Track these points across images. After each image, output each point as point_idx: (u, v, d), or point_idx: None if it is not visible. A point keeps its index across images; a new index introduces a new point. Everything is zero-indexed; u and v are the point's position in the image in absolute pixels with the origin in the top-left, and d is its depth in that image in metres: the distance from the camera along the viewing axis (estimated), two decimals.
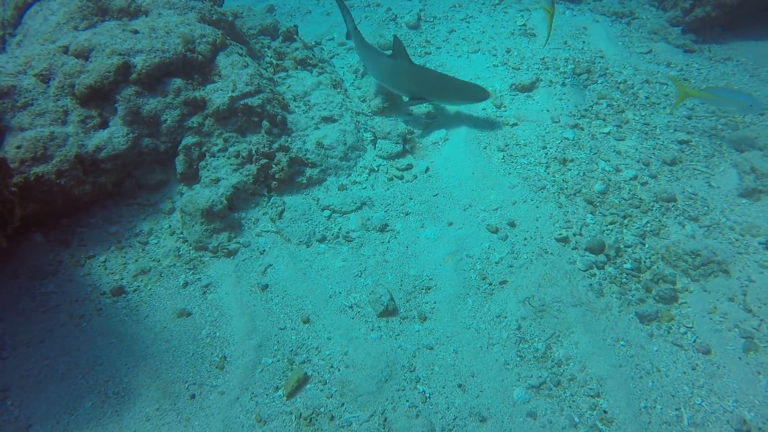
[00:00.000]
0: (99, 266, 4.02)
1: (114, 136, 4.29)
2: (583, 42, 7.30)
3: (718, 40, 7.42)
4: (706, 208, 4.71)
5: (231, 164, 4.60)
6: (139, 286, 3.94)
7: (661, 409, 3.34)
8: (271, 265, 4.18)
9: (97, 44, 4.43)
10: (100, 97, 4.36)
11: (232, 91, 4.70)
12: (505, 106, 6.01)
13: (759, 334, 3.78)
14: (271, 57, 6.11)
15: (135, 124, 4.41)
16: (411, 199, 4.78)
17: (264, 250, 4.29)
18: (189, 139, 4.58)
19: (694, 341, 3.73)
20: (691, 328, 3.81)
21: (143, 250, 4.20)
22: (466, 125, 5.67)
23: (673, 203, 4.72)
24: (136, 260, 4.11)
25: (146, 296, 3.88)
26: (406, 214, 4.64)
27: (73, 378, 3.34)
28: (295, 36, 6.40)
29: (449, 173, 5.03)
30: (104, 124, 4.35)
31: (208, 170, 4.57)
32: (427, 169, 5.09)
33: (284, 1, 8.23)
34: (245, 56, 5.13)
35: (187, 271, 4.10)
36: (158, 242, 4.27)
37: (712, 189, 4.92)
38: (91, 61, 4.41)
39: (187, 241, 4.27)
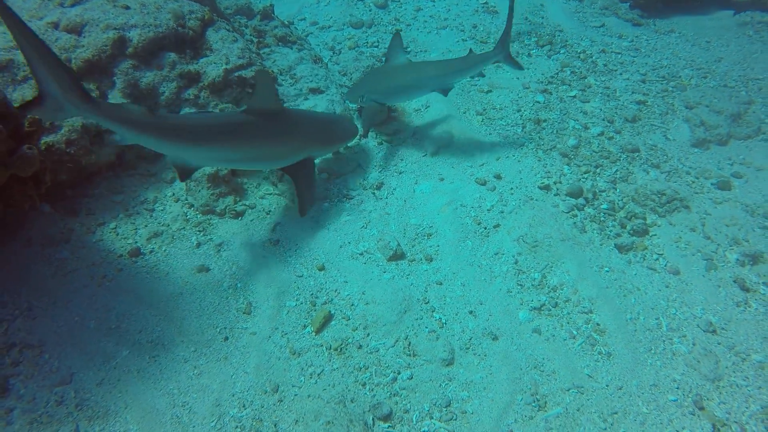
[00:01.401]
0: (110, 232, 4.21)
1: None
2: (542, 17, 7.93)
3: (661, 15, 8.23)
4: (665, 156, 5.37)
5: None
6: (153, 248, 4.17)
7: (644, 319, 3.91)
8: (279, 223, 4.49)
9: (89, 19, 4.59)
10: (98, 71, 4.53)
11: (226, 64, 4.96)
12: (477, 76, 6.52)
13: (717, 256, 4.44)
14: (250, 35, 6.37)
15: (134, 96, 4.60)
16: (402, 160, 5.20)
17: (270, 211, 4.59)
18: (187, 111, 4.81)
19: (665, 265, 4.34)
20: (662, 254, 4.42)
21: (151, 216, 4.42)
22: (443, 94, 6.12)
23: (637, 153, 5.36)
24: (146, 225, 4.33)
25: (162, 256, 4.12)
26: (400, 173, 5.05)
27: (105, 331, 3.56)
28: (272, 14, 6.69)
29: (436, 136, 5.47)
30: (103, 97, 4.53)
31: None
32: (414, 133, 5.52)
33: None
34: (233, 31, 5.39)
35: (198, 233, 4.35)
36: (164, 209, 4.50)
37: (668, 141, 5.60)
38: (84, 36, 4.57)
39: (193, 206, 4.52)
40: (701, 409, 3.41)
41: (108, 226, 4.25)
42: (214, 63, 4.98)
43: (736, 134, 5.70)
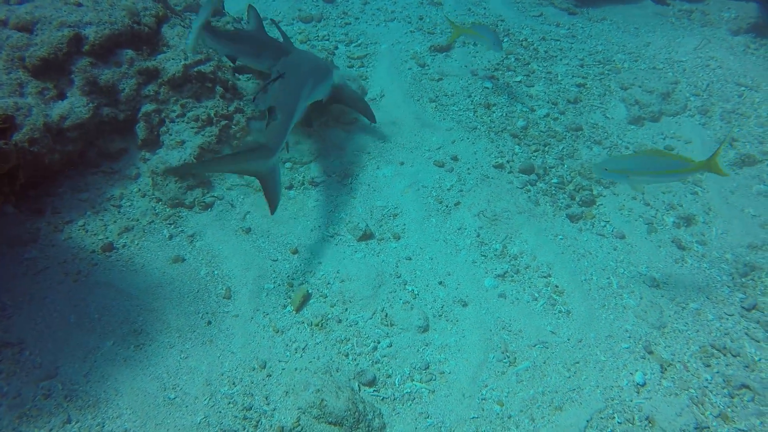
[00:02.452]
0: (79, 230, 4.24)
1: (75, 105, 4.49)
2: (484, 8, 8.33)
3: (593, 4, 8.80)
4: (605, 134, 5.84)
5: (191, 128, 4.95)
6: (125, 242, 4.23)
7: (596, 279, 4.32)
8: (249, 212, 4.63)
9: (41, 17, 4.58)
10: (54, 69, 4.53)
11: (185, 60, 5.04)
12: (428, 65, 6.83)
13: (656, 221, 4.92)
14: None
15: (93, 94, 4.62)
16: (362, 147, 5.42)
17: (239, 201, 4.72)
18: (148, 107, 4.86)
19: (612, 231, 4.77)
20: (609, 221, 4.86)
21: (119, 212, 4.47)
22: (397, 83, 6.40)
23: (580, 132, 5.80)
24: (116, 221, 4.37)
25: (136, 250, 4.18)
26: (361, 160, 5.28)
27: (87, 324, 3.62)
28: (223, 11, 6.75)
29: (392, 123, 5.73)
30: (62, 96, 4.53)
31: (170, 134, 4.89)
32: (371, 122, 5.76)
33: None
34: (187, 28, 5.45)
35: (168, 225, 4.43)
36: (132, 204, 4.55)
37: (607, 119, 6.09)
38: (36, 34, 4.55)
39: (161, 200, 4.59)
40: (650, 353, 3.83)
41: (76, 224, 4.27)
42: (173, 59, 5.05)
43: (667, 111, 6.25)
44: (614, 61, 7.14)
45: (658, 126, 6.10)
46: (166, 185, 4.59)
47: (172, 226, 4.40)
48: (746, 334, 3.99)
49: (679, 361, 3.77)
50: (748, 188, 5.35)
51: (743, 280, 4.47)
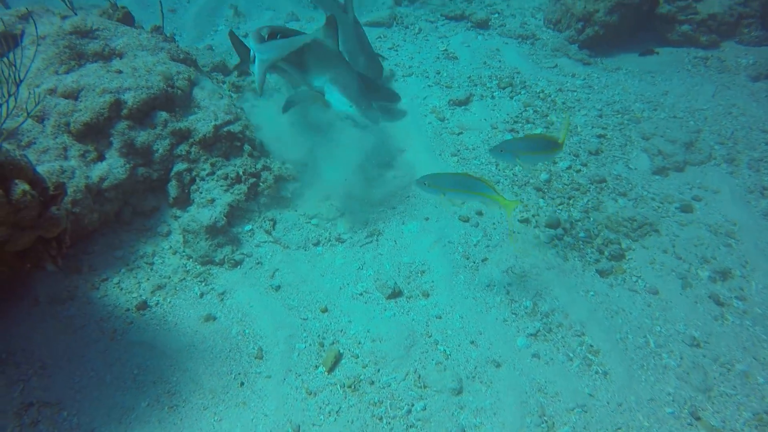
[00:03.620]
0: (114, 287, 4.33)
1: (113, 167, 4.67)
2: (500, 61, 8.58)
3: (608, 54, 9.01)
4: (630, 185, 5.90)
5: (221, 186, 5.10)
6: (158, 300, 4.31)
7: (632, 337, 4.29)
8: (278, 269, 4.71)
9: (85, 85, 4.82)
10: (95, 133, 4.73)
11: (215, 120, 5.24)
12: (447, 119, 7.00)
13: (690, 275, 4.91)
14: (229, 90, 6.68)
15: (130, 155, 4.81)
16: (386, 202, 5.53)
17: (267, 258, 4.81)
18: (180, 166, 5.03)
19: (645, 286, 4.76)
20: (640, 276, 4.85)
21: (152, 269, 4.57)
22: (417, 138, 6.56)
23: (604, 184, 5.87)
24: (148, 279, 4.47)
25: (169, 308, 4.26)
26: (387, 216, 5.37)
27: (122, 383, 3.66)
28: (247, 70, 7.03)
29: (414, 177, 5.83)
30: (101, 157, 4.72)
31: (200, 193, 5.04)
32: (395, 177, 5.88)
33: (220, 42, 8.82)
34: (217, 89, 5.69)
35: (199, 283, 4.52)
36: (164, 261, 4.65)
37: (631, 170, 6.15)
38: (80, 101, 4.78)
39: (192, 257, 4.69)
40: (698, 419, 3.75)
41: (111, 282, 4.37)
42: (203, 120, 5.25)
43: (691, 161, 6.30)
44: (633, 110, 7.26)
45: (683, 176, 6.14)
46: (197, 243, 4.69)
47: (203, 284, 4.48)
48: None
49: (731, 430, 3.69)
50: None
51: None
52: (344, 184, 5.68)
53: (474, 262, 4.86)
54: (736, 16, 8.81)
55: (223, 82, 6.92)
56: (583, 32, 9.10)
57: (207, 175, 5.13)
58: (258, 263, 4.76)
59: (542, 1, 10.53)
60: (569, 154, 6.31)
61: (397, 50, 8.95)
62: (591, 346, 4.20)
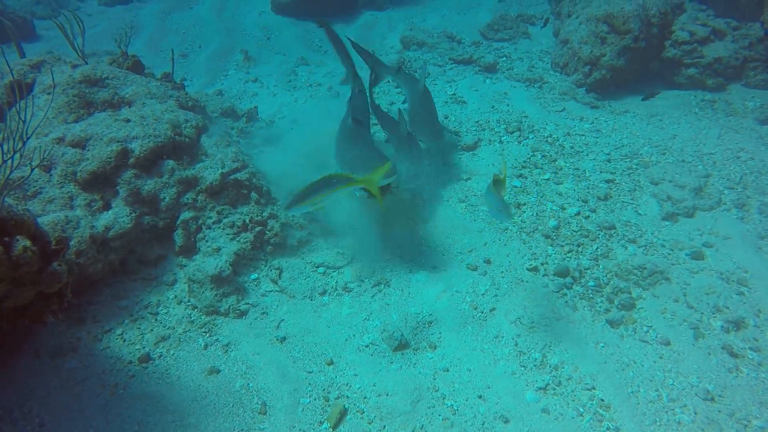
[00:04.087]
0: (117, 339, 4.35)
1: (119, 216, 4.75)
2: (507, 105, 8.72)
3: (615, 97, 9.14)
4: (639, 231, 5.89)
5: (227, 234, 5.17)
6: (162, 352, 4.31)
7: (644, 391, 4.22)
8: (283, 319, 4.71)
9: (93, 134, 4.96)
10: (101, 181, 4.84)
11: (222, 168, 5.35)
12: (453, 165, 7.08)
13: (702, 325, 4.85)
14: (237, 136, 6.83)
15: (136, 204, 4.90)
16: (394, 250, 5.55)
17: (273, 308, 4.82)
18: (186, 214, 5.11)
19: (656, 336, 4.71)
20: (651, 326, 4.81)
21: (156, 320, 4.59)
22: (426, 184, 6.63)
23: (613, 230, 5.87)
24: (152, 330, 4.48)
25: (172, 361, 4.25)
26: (394, 264, 5.39)
27: None
28: (256, 116, 7.20)
29: (422, 224, 5.88)
30: (107, 206, 4.81)
31: (206, 241, 5.10)
32: (403, 225, 5.92)
33: (230, 87, 9.07)
34: (225, 136, 5.83)
35: (204, 334, 4.52)
36: (168, 312, 4.68)
37: (640, 216, 6.16)
38: (88, 150, 4.91)
39: (197, 307, 4.71)
40: None
41: (115, 333, 4.38)
42: (211, 168, 5.35)
43: (701, 206, 6.31)
44: (641, 154, 7.32)
45: (693, 222, 6.13)
46: (202, 292, 4.72)
47: (207, 335, 4.49)
48: None
49: None
50: None
51: None
52: (352, 232, 5.74)
53: (482, 312, 4.85)
54: (741, 60, 8.95)
55: (232, 128, 7.08)
56: (590, 76, 9.26)
57: (213, 223, 5.20)
58: (263, 313, 4.77)
59: (549, 44, 10.79)
60: (578, 200, 6.34)
61: (404, 94, 9.12)
62: (602, 400, 4.13)
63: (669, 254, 5.60)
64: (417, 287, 5.09)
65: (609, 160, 7.17)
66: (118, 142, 4.93)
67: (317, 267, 5.29)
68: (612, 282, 5.22)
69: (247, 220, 5.27)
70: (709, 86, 8.95)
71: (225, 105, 7.39)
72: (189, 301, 4.73)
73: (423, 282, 5.15)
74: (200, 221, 5.16)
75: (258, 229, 5.27)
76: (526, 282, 5.15)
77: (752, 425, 4.00)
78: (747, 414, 4.08)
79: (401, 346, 4.47)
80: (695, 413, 4.07)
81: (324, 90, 9.14)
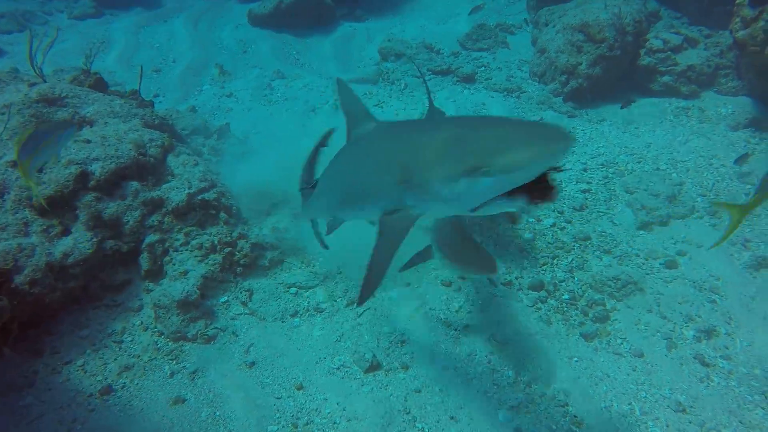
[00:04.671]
0: (78, 370, 4.24)
1: (78, 241, 4.66)
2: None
3: (591, 105, 9.20)
4: (614, 241, 5.90)
5: (195, 256, 5.09)
6: (125, 382, 4.21)
7: (617, 405, 4.20)
8: (253, 343, 4.63)
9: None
10: (60, 206, 4.75)
11: (189, 188, 5.27)
12: None
13: (675, 335, 4.85)
14: (209, 154, 6.77)
15: (98, 228, 4.81)
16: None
17: (243, 331, 4.74)
18: (151, 237, 5.03)
19: (629, 348, 4.70)
20: (625, 338, 4.79)
21: (120, 348, 4.49)
22: None
23: (588, 241, 5.87)
24: (116, 359, 4.38)
25: (136, 391, 4.16)
26: None
27: None
28: (228, 132, 7.15)
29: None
30: (66, 231, 4.72)
31: (174, 264, 5.01)
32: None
33: (204, 102, 9.00)
34: (193, 155, 5.76)
35: (170, 361, 4.43)
36: (133, 339, 4.58)
37: (615, 226, 6.17)
38: (45, 173, 4.82)
39: (163, 333, 4.62)
40: None
41: (75, 364, 4.28)
42: (177, 188, 5.28)
43: (675, 214, 6.33)
44: (617, 163, 7.35)
45: (666, 230, 6.14)
46: (169, 318, 4.63)
47: (174, 362, 4.40)
48: None
49: None
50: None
51: None
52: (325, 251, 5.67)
53: (456, 330, 4.80)
54: (713, 67, 9.06)
55: (204, 146, 7.01)
56: (567, 85, 9.32)
57: (181, 245, 5.12)
58: (233, 338, 4.69)
59: (528, 53, 10.84)
60: (553, 211, 6.34)
61: (382, 107, 9.13)
62: (575, 416, 4.09)
63: (643, 264, 5.60)
64: (390, 305, 5.04)
65: (585, 170, 7.19)
66: (77, 164, 4.84)
67: (289, 288, 5.22)
68: (587, 294, 5.21)
69: (216, 242, 5.20)
70: (684, 93, 9.03)
71: (197, 122, 7.32)
72: (155, 327, 4.63)
73: (396, 300, 5.10)
74: (167, 244, 5.08)
75: (227, 250, 5.20)
76: (501, 297, 5.12)
77: None
78: (717, 423, 4.07)
79: (373, 367, 4.41)
80: (667, 425, 4.05)
81: (300, 104, 9.10)
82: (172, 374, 4.31)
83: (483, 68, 10.57)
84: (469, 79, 10.04)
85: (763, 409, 4.24)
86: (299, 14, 11.71)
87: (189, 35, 11.31)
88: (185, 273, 4.91)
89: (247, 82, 9.92)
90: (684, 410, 4.19)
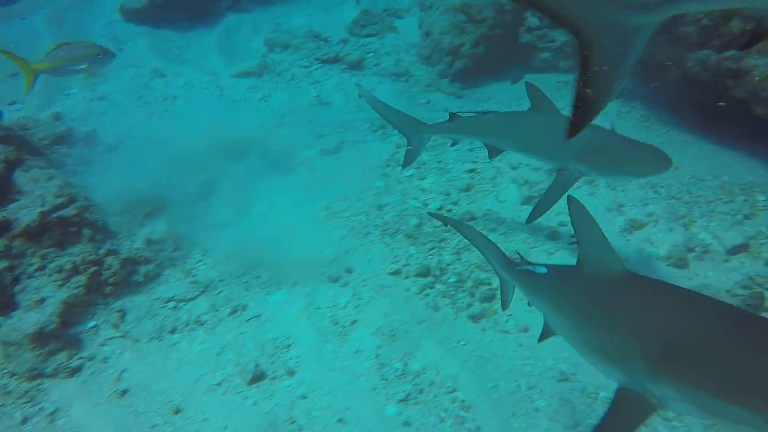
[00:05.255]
0: None
1: None
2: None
3: (479, 85, 9.30)
4: (500, 219, 5.96)
5: (55, 281, 4.62)
6: None
7: (504, 384, 4.22)
8: (126, 369, 4.27)
9: None
10: None
11: (42, 206, 4.77)
12: (317, 170, 6.85)
13: None
14: (73, 165, 6.19)
15: None
16: (252, 270, 5.23)
17: (114, 357, 4.36)
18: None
19: (515, 325, 4.74)
20: (511, 315, 4.83)
21: None
22: (285, 192, 6.34)
23: (474, 221, 5.89)
24: None
25: None
26: (248, 287, 5.07)
27: None
28: (95, 139, 6.57)
29: (281, 237, 5.60)
30: None
31: (27, 293, 4.53)
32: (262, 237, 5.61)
33: (72, 108, 8.27)
34: (49, 168, 5.21)
35: (24, 405, 3.99)
36: None
37: (501, 203, 6.24)
38: None
39: (15, 374, 4.15)
40: None
41: None
42: (27, 207, 4.76)
43: None
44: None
45: None
46: (21, 355, 4.17)
47: (29, 405, 3.96)
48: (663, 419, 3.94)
49: None
50: (641, 252, 5.50)
51: None
52: (204, 254, 5.35)
53: (343, 327, 4.66)
54: None
55: (67, 156, 6.40)
56: (453, 65, 9.35)
57: (36, 270, 4.62)
58: (102, 366, 4.30)
59: (416, 37, 10.79)
60: (440, 194, 6.32)
61: (267, 100, 8.79)
62: (463, 401, 4.07)
63: (527, 239, 5.69)
64: (275, 309, 4.82)
65: (471, 150, 7.22)
66: None
67: (166, 302, 4.87)
68: (473, 275, 5.21)
69: (79, 262, 4.74)
70: (563, 68, 9.32)
71: (59, 130, 6.67)
72: (5, 367, 4.15)
73: (281, 303, 4.88)
74: (18, 271, 4.56)
75: (92, 269, 4.76)
76: (388, 287, 5.02)
77: (600, 397, 4.10)
78: (596, 387, 4.18)
79: (256, 378, 4.18)
80: (551, 396, 4.11)
81: (180, 104, 8.57)
82: (24, 420, 3.87)
83: (372, 54, 10.42)
84: (357, 66, 9.87)
85: None
86: (178, 6, 11.02)
87: (52, 34, 10.32)
88: (41, 301, 4.44)
89: (122, 83, 9.22)
90: (567, 379, 4.27)
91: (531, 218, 4.75)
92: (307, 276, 5.17)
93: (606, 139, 4.23)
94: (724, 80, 5.91)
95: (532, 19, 9.77)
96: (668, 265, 5.14)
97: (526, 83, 4.65)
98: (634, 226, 5.79)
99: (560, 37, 9.46)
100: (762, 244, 5.14)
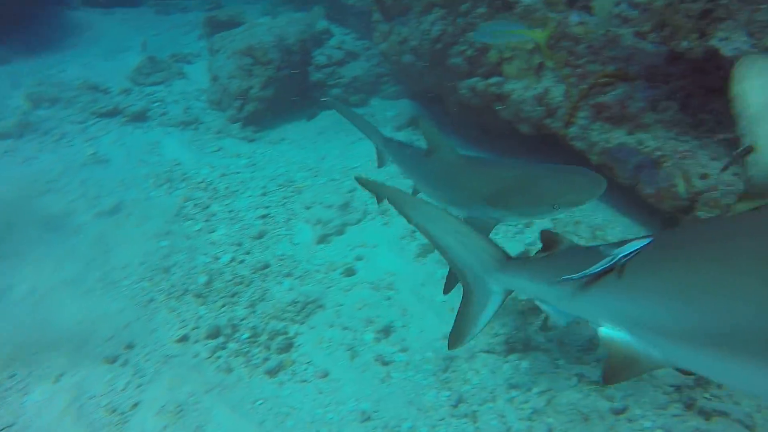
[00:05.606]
0: None
1: None
2: (159, 155, 8.09)
3: (272, 126, 9.25)
4: (294, 262, 5.85)
5: None
6: None
7: None
8: None
9: None
10: None
11: None
12: (92, 236, 6.17)
13: (357, 342, 4.92)
14: None
15: None
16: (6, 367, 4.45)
17: None
18: None
19: (314, 372, 4.59)
20: (310, 362, 4.69)
21: None
22: (53, 260, 5.59)
23: (268, 269, 5.70)
24: None
25: None
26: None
27: None
28: None
29: (41, 320, 4.88)
30: None
31: None
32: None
33: None
34: None
35: None
36: None
37: (295, 246, 6.14)
38: None
39: None
40: None
41: None
42: None
43: (350, 221, 6.57)
44: (295, 181, 7.42)
45: (344, 239, 6.32)
46: None
47: None
48: None
49: None
50: (433, 275, 5.72)
51: (446, 375, 4.59)
52: None
53: (122, 414, 4.12)
54: (375, 76, 9.93)
55: None
56: (243, 109, 9.19)
57: None
58: None
59: (206, 82, 10.44)
60: (231, 245, 6.04)
61: (30, 163, 7.79)
62: None
63: (323, 278, 5.64)
64: (34, 412, 4.13)
65: (264, 194, 7.09)
66: None
67: None
68: (269, 326, 5.00)
69: None
70: (354, 102, 9.70)
71: None
72: None
73: (42, 402, 4.20)
74: None
75: None
76: (175, 357, 4.60)
77: (402, 428, 4.11)
78: (399, 420, 4.18)
79: None
80: None
81: None
82: None
83: (158, 103, 9.89)
84: (140, 117, 9.28)
85: (435, 389, 4.48)
86: None
87: None
88: None
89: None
90: (369, 418, 4.21)
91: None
92: (78, 361, 4.54)
93: (517, 173, 3.77)
94: (492, 103, 6.51)
95: (320, 58, 10.07)
96: None
97: (421, 121, 4.35)
98: (425, 250, 6.02)
99: (348, 73, 9.87)
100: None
